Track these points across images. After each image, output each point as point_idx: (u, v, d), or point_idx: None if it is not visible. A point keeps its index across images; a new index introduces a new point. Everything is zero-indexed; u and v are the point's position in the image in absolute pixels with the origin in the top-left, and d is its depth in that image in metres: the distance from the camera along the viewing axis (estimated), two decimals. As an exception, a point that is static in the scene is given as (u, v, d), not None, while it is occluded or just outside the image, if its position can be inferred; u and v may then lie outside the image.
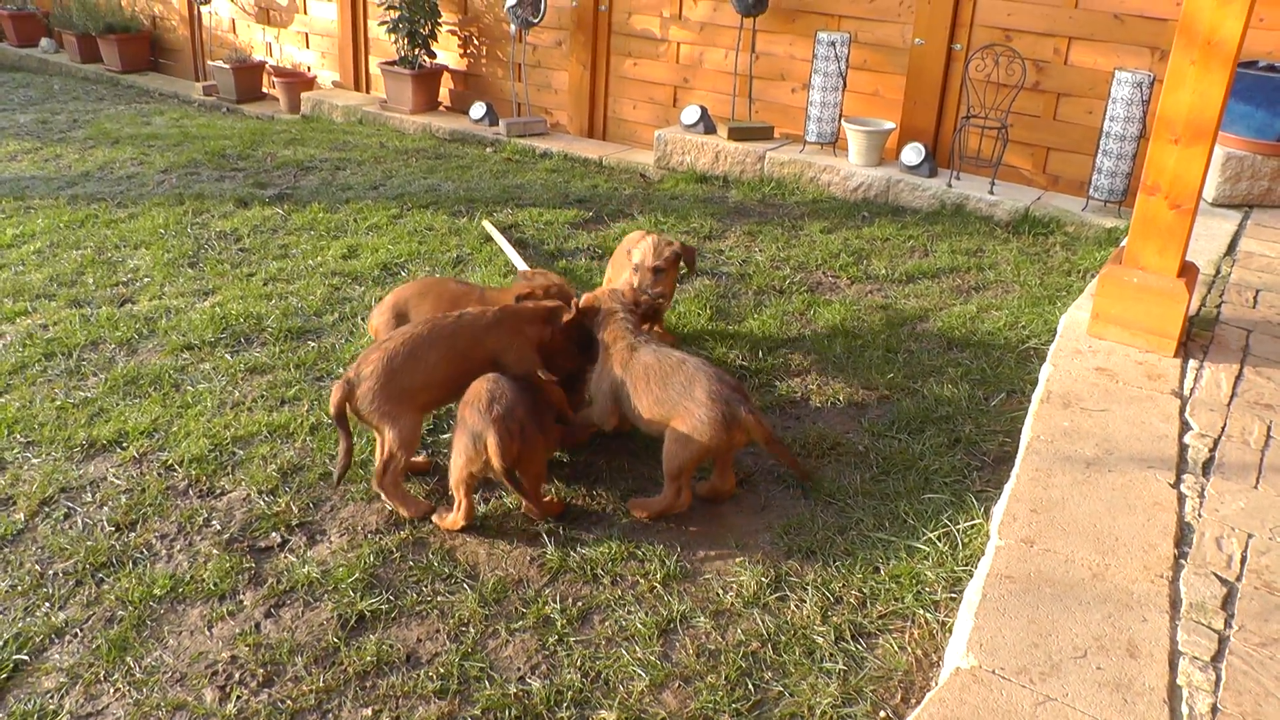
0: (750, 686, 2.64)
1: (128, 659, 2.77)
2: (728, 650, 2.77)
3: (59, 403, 4.03)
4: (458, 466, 3.26)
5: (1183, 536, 2.91)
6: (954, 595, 2.94)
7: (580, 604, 2.96)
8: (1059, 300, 5.09)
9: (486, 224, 6.28)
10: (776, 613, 2.92)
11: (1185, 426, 3.48)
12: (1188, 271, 4.00)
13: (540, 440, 3.31)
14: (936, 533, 3.21)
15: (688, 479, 3.35)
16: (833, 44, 7.02)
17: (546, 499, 3.42)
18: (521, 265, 5.55)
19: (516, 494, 3.30)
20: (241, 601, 2.99)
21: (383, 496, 3.42)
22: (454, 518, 3.32)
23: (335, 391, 3.36)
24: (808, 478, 3.52)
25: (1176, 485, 3.14)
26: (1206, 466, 3.25)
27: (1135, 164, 6.18)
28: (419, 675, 2.70)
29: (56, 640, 2.84)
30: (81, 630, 2.87)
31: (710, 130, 7.83)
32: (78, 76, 11.53)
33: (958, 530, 3.21)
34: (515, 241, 5.87)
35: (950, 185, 6.77)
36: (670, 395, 3.33)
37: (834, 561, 3.12)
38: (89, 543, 3.22)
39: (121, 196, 6.75)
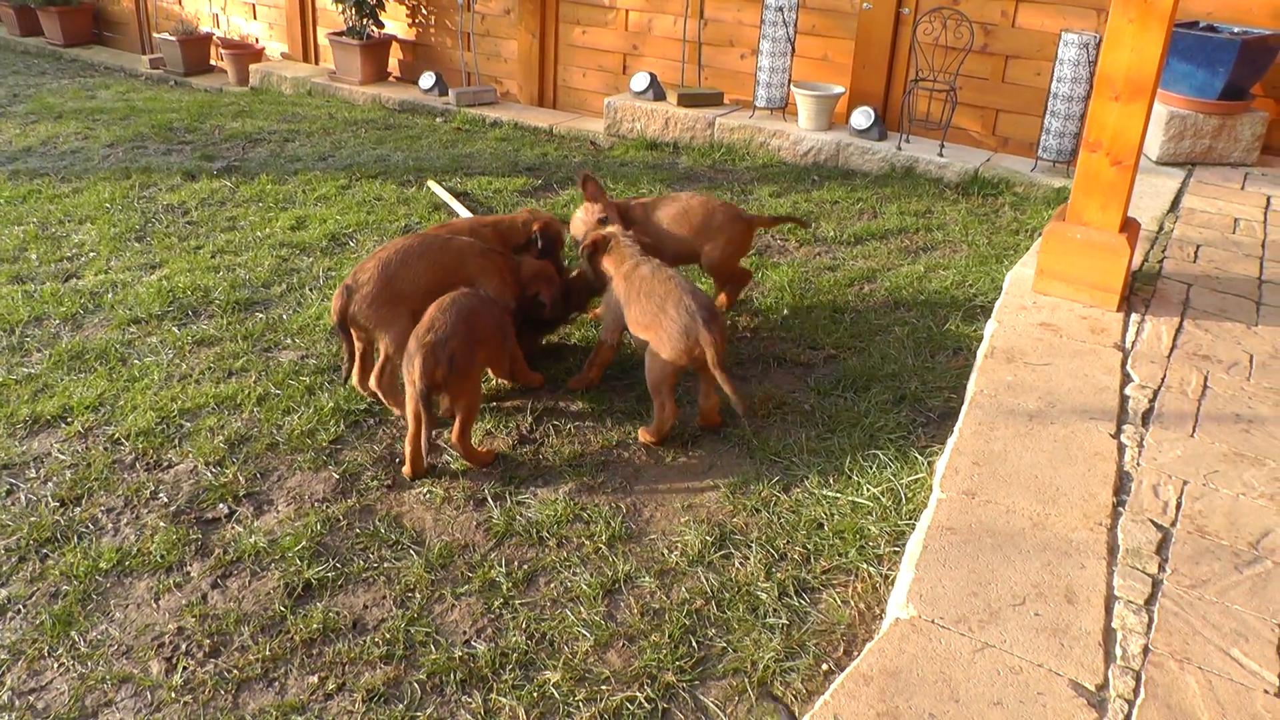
0: (694, 644, 2.67)
1: (72, 633, 2.74)
2: (672, 609, 2.79)
3: (0, 379, 3.96)
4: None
5: (1122, 485, 2.96)
6: (897, 549, 2.98)
7: (526, 567, 2.97)
8: (1006, 259, 5.14)
9: (432, 184, 6.24)
10: (721, 570, 2.94)
11: (1126, 378, 3.54)
12: (1129, 227, 4.05)
13: (474, 373, 3.42)
14: (880, 488, 3.24)
15: (669, 391, 3.51)
16: (780, 9, 7.00)
17: (482, 449, 3.52)
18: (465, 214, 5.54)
19: (419, 431, 3.36)
20: (189, 573, 2.97)
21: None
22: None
23: (336, 299, 3.62)
24: (749, 411, 3.55)
25: (1117, 435, 3.20)
26: (1146, 417, 3.31)
27: (1082, 124, 6.23)
28: (365, 641, 2.70)
29: (-1, 617, 2.82)
30: (24, 606, 2.84)
31: (660, 97, 7.79)
32: (17, 50, 11.26)
33: (901, 485, 3.25)
34: (465, 203, 5.84)
35: (900, 148, 6.79)
36: (651, 308, 3.52)
37: (779, 519, 3.15)
38: (32, 519, 3.18)
39: (65, 171, 6.62)
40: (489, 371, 3.83)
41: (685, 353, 3.40)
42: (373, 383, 3.71)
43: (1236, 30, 5.76)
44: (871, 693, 2.21)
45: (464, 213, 5.64)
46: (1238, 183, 5.69)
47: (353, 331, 3.66)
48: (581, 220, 4.32)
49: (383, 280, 3.62)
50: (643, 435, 3.60)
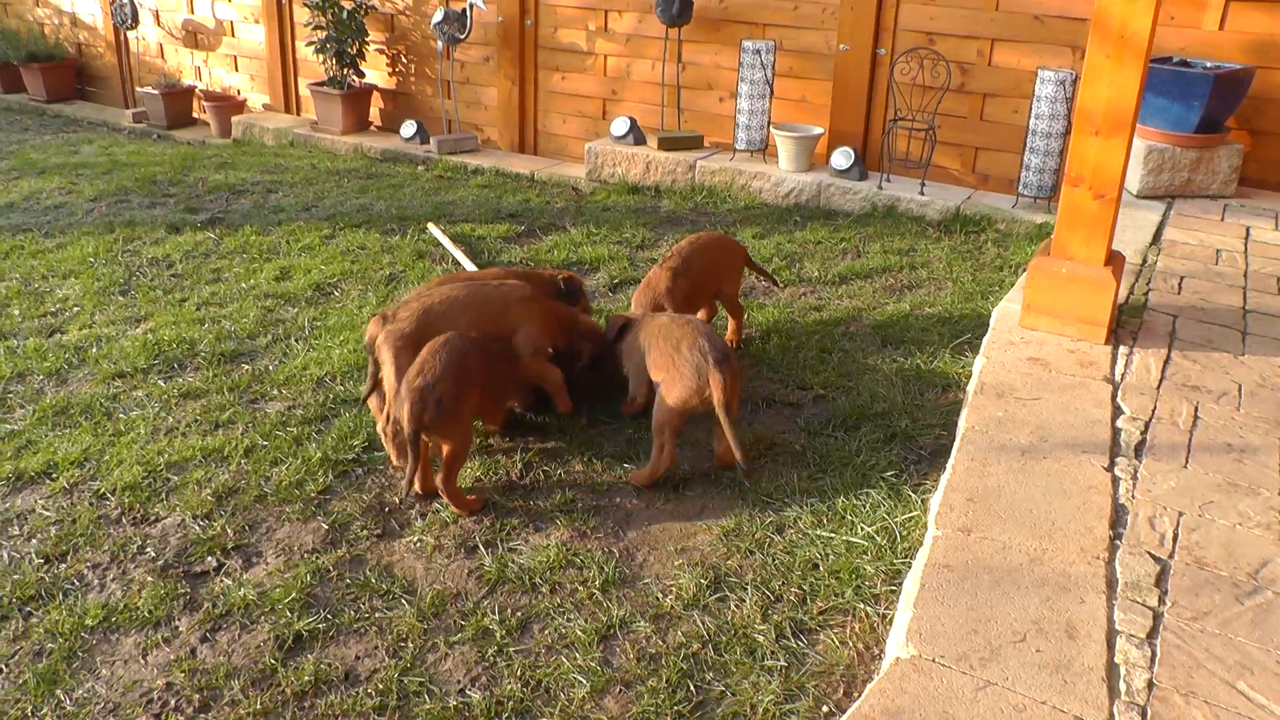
0: (692, 688, 2.63)
1: (58, 692, 2.68)
2: (668, 653, 2.75)
3: (-18, 436, 3.92)
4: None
5: (1117, 518, 2.95)
6: (894, 588, 2.95)
7: (519, 614, 2.93)
8: (992, 295, 5.17)
9: (432, 228, 6.24)
10: (716, 613, 2.91)
11: (1117, 411, 3.54)
12: (1114, 260, 4.08)
13: (463, 416, 3.41)
14: (875, 527, 3.22)
15: (671, 434, 3.51)
16: (758, 52, 7.08)
17: (471, 496, 3.50)
18: (471, 267, 5.53)
19: (412, 466, 3.36)
20: (177, 628, 2.92)
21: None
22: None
23: (372, 325, 3.69)
24: (747, 459, 3.52)
25: (1110, 468, 3.19)
26: (1139, 449, 3.31)
27: (1062, 160, 6.30)
28: (358, 693, 2.65)
29: (-20, 678, 2.75)
30: (7, 665, 2.78)
31: (640, 141, 7.85)
32: (0, 107, 11.28)
33: (896, 524, 3.23)
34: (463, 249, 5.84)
35: (881, 187, 6.84)
36: (668, 349, 3.55)
37: (773, 560, 3.13)
38: (15, 576, 3.12)
39: (49, 226, 6.60)
40: (483, 423, 3.84)
41: (696, 392, 3.40)
42: (380, 425, 3.72)
43: (1209, 65, 5.86)
44: (875, 735, 2.18)
45: (463, 259, 5.65)
46: (1217, 214, 5.75)
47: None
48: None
49: (420, 323, 3.64)
50: (634, 478, 3.58)
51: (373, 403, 3.76)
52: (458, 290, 3.82)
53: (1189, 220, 5.64)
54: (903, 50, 6.94)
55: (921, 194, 6.69)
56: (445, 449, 3.39)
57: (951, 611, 2.55)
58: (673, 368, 3.50)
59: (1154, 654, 2.43)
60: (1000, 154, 6.94)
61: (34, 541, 3.31)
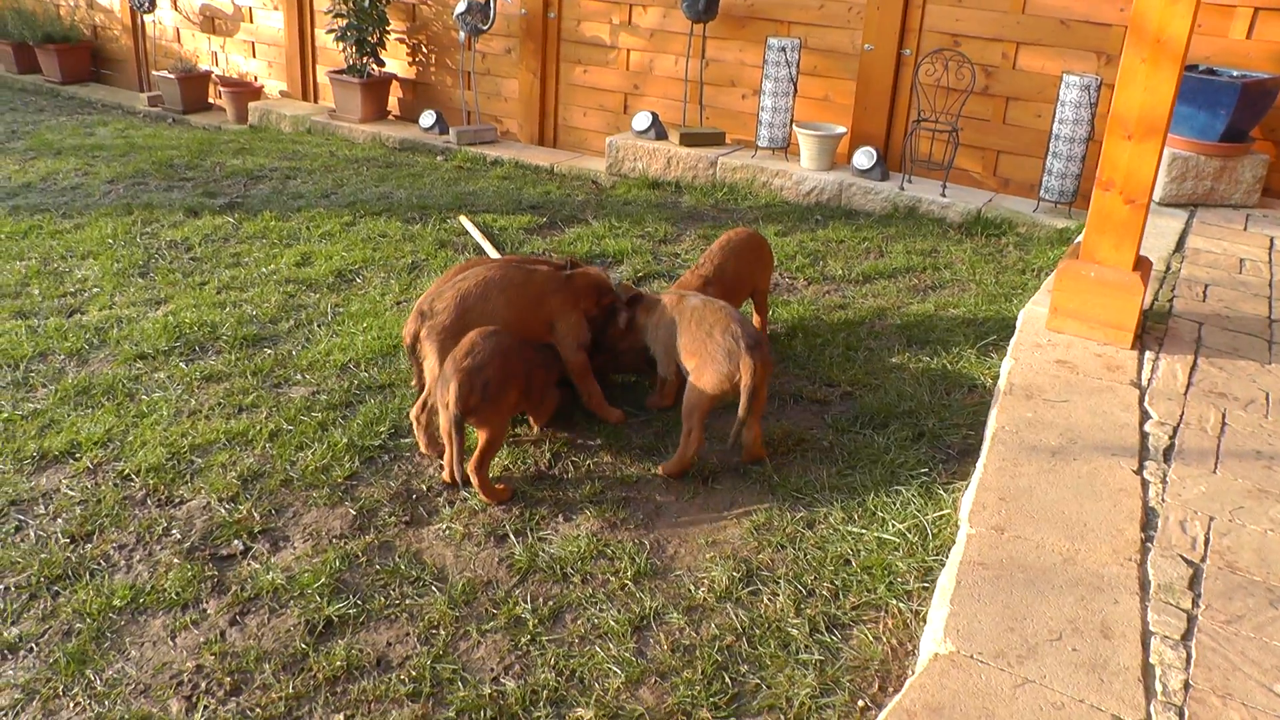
0: (727, 680, 2.63)
1: (87, 672, 2.68)
2: (702, 645, 2.75)
3: (6, 415, 3.91)
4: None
5: (1148, 521, 2.95)
6: (926, 585, 2.95)
7: (551, 603, 2.93)
8: (1015, 298, 5.16)
9: (463, 219, 6.23)
10: (749, 607, 2.90)
11: (1145, 415, 3.54)
12: (1142, 265, 4.07)
13: (505, 404, 3.41)
14: (906, 524, 3.22)
15: (699, 420, 3.49)
16: (783, 49, 7.07)
17: (499, 485, 3.48)
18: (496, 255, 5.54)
19: (451, 452, 3.38)
20: (205, 610, 2.91)
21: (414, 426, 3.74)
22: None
23: (409, 322, 3.70)
24: (733, 447, 3.60)
25: (1139, 471, 3.19)
26: (1167, 453, 3.30)
27: (1084, 165, 6.30)
28: (390, 679, 2.65)
29: (10, 656, 2.74)
30: (37, 645, 2.78)
31: (661, 136, 7.84)
32: (15, 88, 11.26)
33: (927, 521, 3.22)
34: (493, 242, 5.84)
35: (902, 188, 6.84)
36: (700, 335, 3.55)
37: (805, 555, 3.12)
38: (43, 555, 3.12)
39: (66, 207, 6.60)
40: (530, 421, 3.87)
41: (727, 378, 3.41)
42: (413, 411, 3.72)
43: (1236, 74, 5.85)
44: (916, 730, 2.17)
45: (493, 251, 5.65)
46: (1240, 224, 5.74)
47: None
48: None
49: (459, 312, 3.64)
50: (665, 469, 3.58)
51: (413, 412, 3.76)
52: (492, 272, 3.80)
53: (1212, 229, 5.63)
54: (928, 51, 6.93)
55: (943, 196, 6.69)
56: (482, 436, 3.37)
57: (988, 609, 2.54)
58: (704, 352, 3.50)
59: (1189, 656, 2.43)
60: (1022, 158, 6.93)
61: (60, 521, 3.30)
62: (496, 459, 3.66)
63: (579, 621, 2.85)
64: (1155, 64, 3.77)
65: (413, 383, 3.85)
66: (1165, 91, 3.78)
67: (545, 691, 2.59)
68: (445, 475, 3.49)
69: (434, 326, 3.63)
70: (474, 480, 3.40)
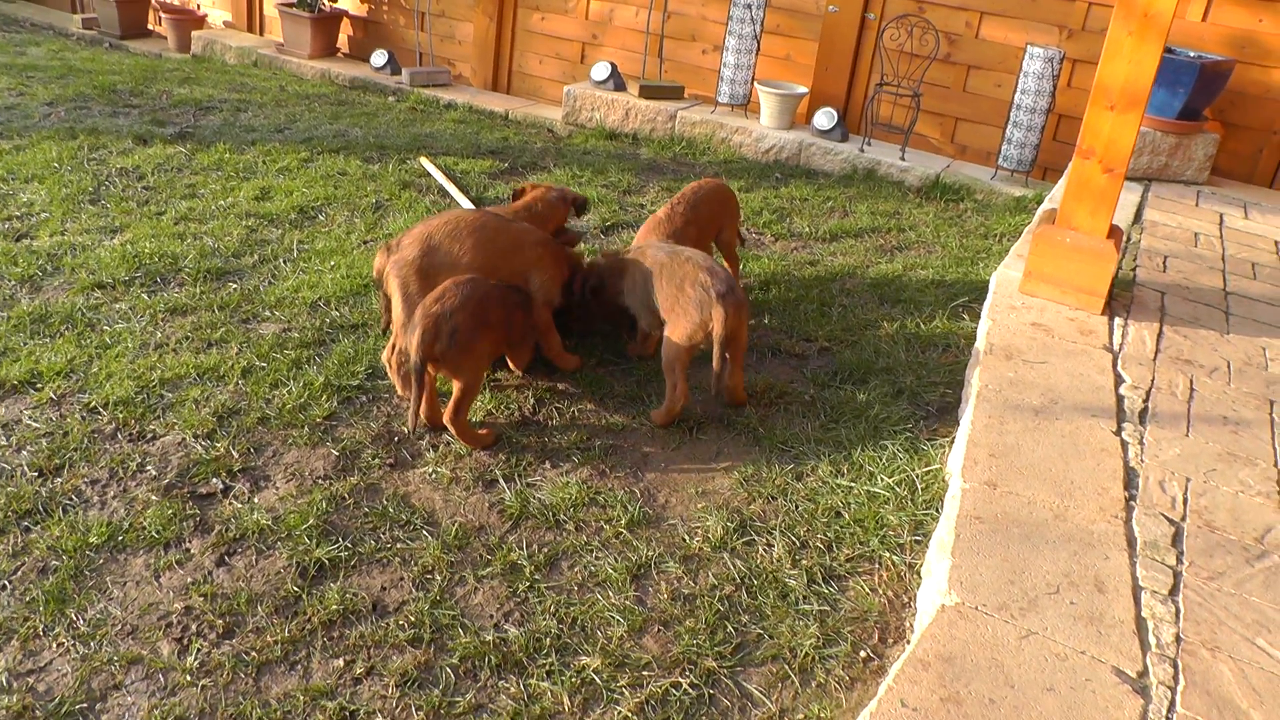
0: (730, 630, 2.64)
1: (69, 611, 2.58)
2: (702, 594, 2.76)
3: (-43, 343, 3.73)
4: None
5: (1129, 480, 3.03)
6: (918, 539, 3.00)
7: (546, 550, 2.90)
8: (981, 262, 5.24)
9: (425, 161, 6.08)
10: (745, 557, 2.92)
11: (1119, 379, 3.63)
12: (1115, 234, 4.16)
13: (476, 351, 3.32)
14: (894, 478, 3.26)
15: (681, 370, 3.50)
16: (748, 6, 7.02)
17: (483, 430, 3.43)
18: (465, 203, 5.42)
19: (417, 398, 3.25)
20: (189, 550, 2.83)
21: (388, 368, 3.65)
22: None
23: (378, 256, 3.63)
24: (717, 395, 3.58)
25: (1118, 433, 3.27)
26: (1142, 416, 3.40)
27: (1043, 136, 6.39)
28: (389, 624, 2.60)
29: (-19, 593, 2.64)
30: (10, 582, 2.67)
31: (620, 88, 7.74)
32: (-68, 3, 10.67)
33: (915, 476, 3.27)
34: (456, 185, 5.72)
35: (862, 150, 6.87)
36: (672, 290, 3.53)
37: (796, 507, 3.15)
38: (10, 489, 2.99)
39: (3, 127, 6.27)
40: (509, 363, 3.79)
41: (700, 327, 3.41)
42: (385, 354, 3.64)
43: (1193, 54, 5.97)
44: (931, 678, 2.21)
45: (457, 194, 5.53)
46: (1192, 200, 5.89)
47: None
48: None
49: (423, 248, 3.55)
50: (654, 416, 3.58)
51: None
52: (464, 214, 3.72)
53: (1166, 204, 5.77)
54: (892, 16, 6.94)
55: (902, 159, 6.73)
56: (456, 385, 3.31)
57: (988, 562, 2.59)
58: (677, 305, 3.50)
59: (1178, 610, 2.51)
60: (980, 126, 7.01)
61: (24, 453, 3.17)
62: (479, 403, 3.61)
63: (576, 569, 2.84)
64: (1141, 37, 3.82)
65: (382, 322, 3.77)
66: (1149, 64, 3.84)
67: (548, 639, 2.57)
68: (410, 419, 3.37)
69: (398, 261, 3.56)
70: (451, 429, 3.34)
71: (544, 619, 2.64)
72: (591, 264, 3.92)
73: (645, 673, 2.48)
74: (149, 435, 3.31)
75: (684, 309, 3.47)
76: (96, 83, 7.54)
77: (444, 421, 3.36)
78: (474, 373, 3.35)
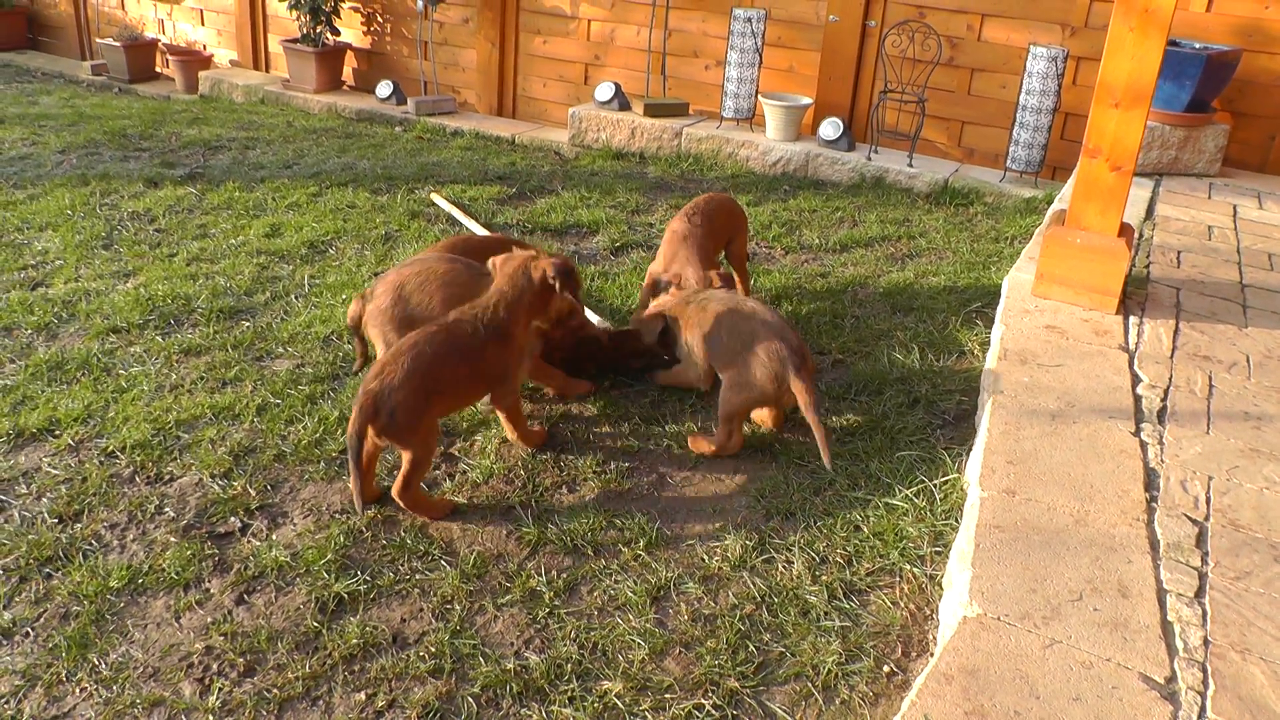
0: (751, 649, 2.62)
1: (91, 656, 2.59)
2: (723, 614, 2.74)
3: (-25, 392, 3.76)
4: None
5: (1150, 481, 3.00)
6: (938, 549, 2.97)
7: (565, 575, 2.90)
8: (993, 265, 5.21)
9: (435, 197, 6.11)
10: (765, 575, 2.90)
11: (1136, 379, 3.59)
12: (1125, 232, 4.13)
13: (423, 425, 3.08)
14: (912, 489, 3.24)
15: (739, 424, 3.49)
16: (749, 20, 7.04)
17: (439, 498, 3.24)
18: (481, 232, 5.43)
19: (353, 477, 3.04)
20: (208, 590, 2.83)
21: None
22: None
23: (353, 304, 3.65)
24: (827, 455, 3.36)
25: (1137, 433, 3.24)
26: (1161, 415, 3.36)
27: (1050, 136, 6.37)
28: (409, 656, 2.60)
29: (5, 641, 2.65)
30: (33, 629, 2.68)
31: (625, 107, 7.77)
32: (-55, 56, 10.83)
33: (934, 486, 3.25)
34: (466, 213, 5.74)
35: (869, 159, 6.86)
36: (734, 347, 3.48)
37: (815, 522, 3.13)
38: (30, 536, 3.01)
39: (17, 177, 6.35)
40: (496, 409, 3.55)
41: (773, 396, 3.40)
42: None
43: (1199, 46, 5.94)
44: (955, 691, 2.19)
45: (469, 223, 5.56)
46: (1204, 193, 5.85)
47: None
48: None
49: (394, 297, 3.57)
50: (697, 445, 3.53)
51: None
52: (436, 265, 3.64)
53: (1178, 197, 5.73)
54: (894, 23, 6.94)
55: (910, 166, 6.72)
56: (405, 457, 3.09)
57: (1009, 570, 2.56)
58: (745, 368, 3.41)
59: (1205, 612, 2.47)
60: (987, 128, 6.99)
61: (44, 500, 3.19)
62: (495, 431, 3.60)
63: (595, 593, 2.83)
64: (1143, 33, 3.81)
65: (355, 366, 3.83)
66: (1152, 60, 3.82)
67: (569, 665, 2.56)
68: (355, 502, 3.09)
69: (373, 312, 3.58)
70: (401, 503, 3.12)
71: (565, 645, 2.63)
72: (654, 313, 3.85)
73: (668, 695, 2.46)
74: (166, 477, 3.33)
75: (754, 375, 3.38)
76: (107, 128, 7.63)
77: (394, 496, 3.13)
78: (422, 446, 3.11)
